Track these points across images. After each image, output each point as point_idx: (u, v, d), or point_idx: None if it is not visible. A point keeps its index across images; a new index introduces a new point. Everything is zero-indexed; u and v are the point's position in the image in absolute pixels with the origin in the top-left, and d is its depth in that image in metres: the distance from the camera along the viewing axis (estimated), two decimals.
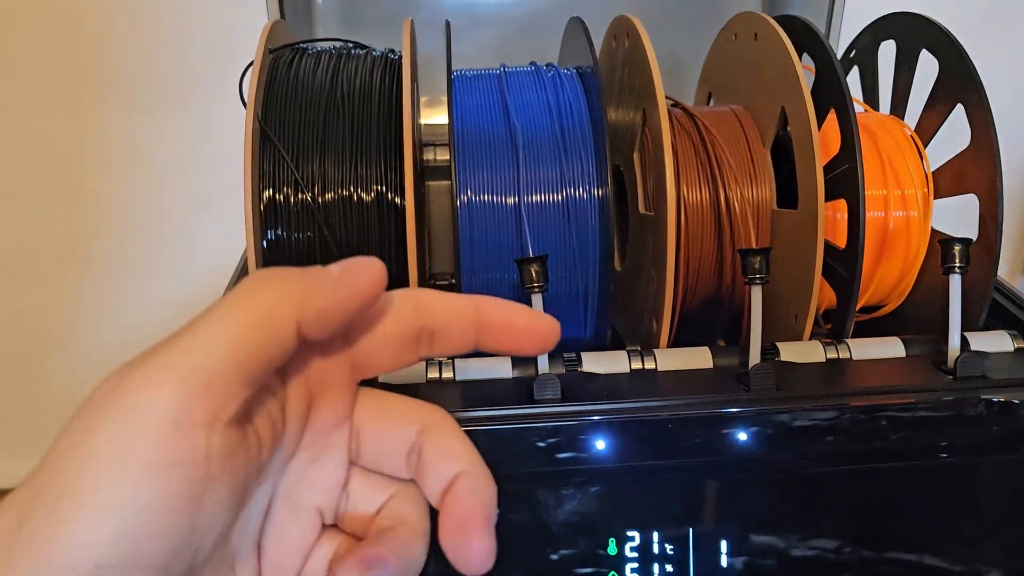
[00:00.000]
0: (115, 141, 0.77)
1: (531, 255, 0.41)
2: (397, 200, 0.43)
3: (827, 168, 0.46)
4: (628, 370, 0.44)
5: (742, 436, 0.39)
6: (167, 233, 0.79)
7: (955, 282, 0.43)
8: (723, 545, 0.40)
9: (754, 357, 0.42)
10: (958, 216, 0.51)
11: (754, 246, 0.48)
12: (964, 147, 0.48)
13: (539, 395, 0.40)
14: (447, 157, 0.54)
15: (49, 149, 0.76)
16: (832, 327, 0.47)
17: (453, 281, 0.54)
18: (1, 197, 0.78)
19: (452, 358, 0.43)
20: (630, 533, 0.40)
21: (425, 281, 0.54)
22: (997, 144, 0.45)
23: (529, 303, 0.40)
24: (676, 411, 0.39)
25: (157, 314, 0.80)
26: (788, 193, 0.48)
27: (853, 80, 0.57)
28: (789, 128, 0.47)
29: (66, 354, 0.81)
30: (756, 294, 0.41)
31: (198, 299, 0.78)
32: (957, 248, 0.43)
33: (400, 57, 0.46)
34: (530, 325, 0.28)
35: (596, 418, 0.38)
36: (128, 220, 0.79)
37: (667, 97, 0.47)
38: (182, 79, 0.76)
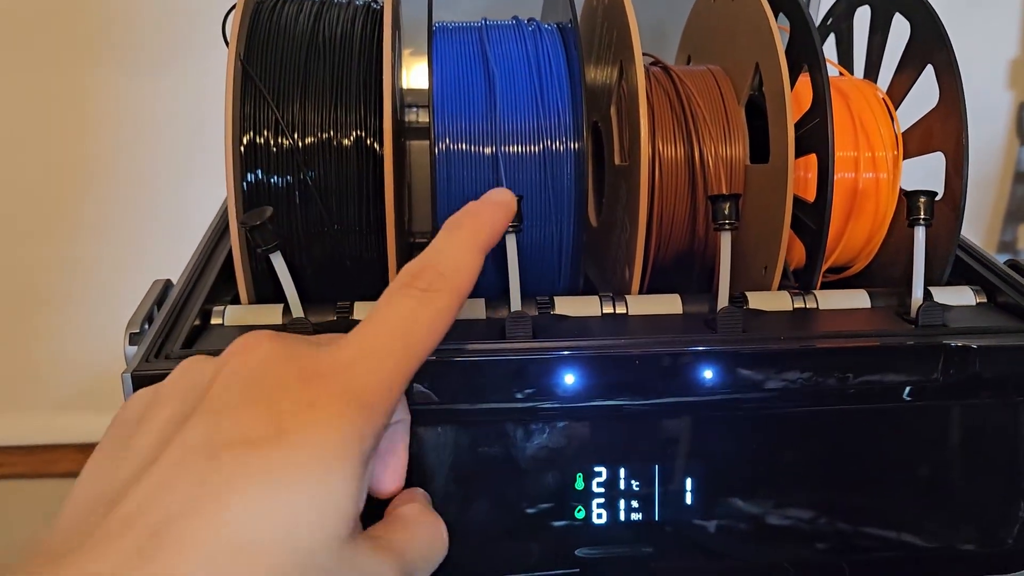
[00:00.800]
0: (104, 99, 0.77)
1: None
2: (376, 146, 0.44)
3: (798, 125, 0.47)
4: (600, 314, 0.45)
5: (707, 374, 0.40)
6: (157, 191, 0.80)
7: (919, 234, 0.44)
8: (688, 483, 0.41)
9: (722, 301, 0.43)
10: (925, 180, 0.52)
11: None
12: (932, 107, 0.49)
13: (511, 333, 0.41)
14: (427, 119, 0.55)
15: (37, 108, 0.77)
16: (800, 280, 0.48)
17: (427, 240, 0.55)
18: None
19: None
20: (597, 469, 0.41)
21: (404, 236, 0.55)
22: (963, 102, 0.46)
23: (504, 244, 0.41)
24: (643, 348, 0.40)
25: (147, 271, 0.80)
26: (760, 150, 0.49)
27: (829, 47, 0.58)
28: (763, 84, 0.48)
29: (56, 312, 0.81)
30: (725, 240, 0.42)
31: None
32: (922, 200, 0.44)
33: (382, 6, 0.47)
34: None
35: (565, 353, 0.39)
36: (118, 178, 0.80)
37: (646, 54, 0.48)
38: (169, 35, 0.76)
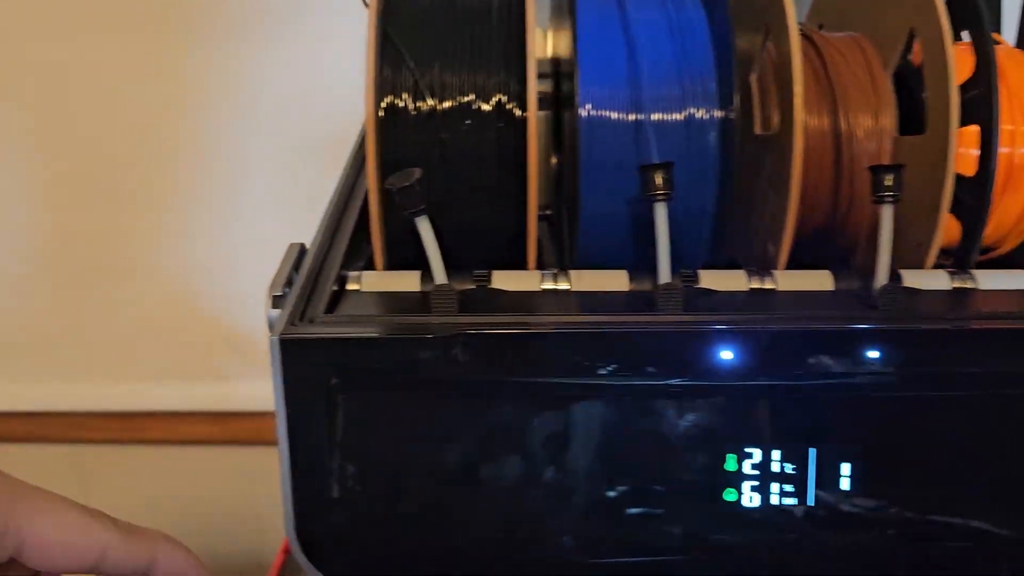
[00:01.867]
0: (199, 66, 0.77)
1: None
2: (517, 111, 0.42)
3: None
4: (747, 288, 0.43)
5: (870, 355, 0.38)
6: (252, 162, 0.79)
7: None
8: (846, 468, 0.39)
9: (882, 278, 0.40)
10: None
11: None
12: None
13: (662, 306, 0.39)
14: (546, 89, 0.53)
15: (135, 76, 0.77)
16: (956, 259, 0.45)
17: (548, 212, 0.53)
18: (88, 126, 0.79)
19: (568, 272, 0.43)
20: (749, 450, 0.39)
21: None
22: None
23: (651, 213, 0.40)
24: (803, 324, 0.38)
25: (236, 244, 0.80)
26: (906, 122, 0.47)
27: None
28: (920, 50, 0.45)
29: (147, 281, 0.82)
30: (887, 213, 0.40)
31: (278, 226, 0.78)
32: None
33: None
34: None
35: (721, 328, 0.38)
36: (212, 148, 0.79)
37: None
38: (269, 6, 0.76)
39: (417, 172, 0.37)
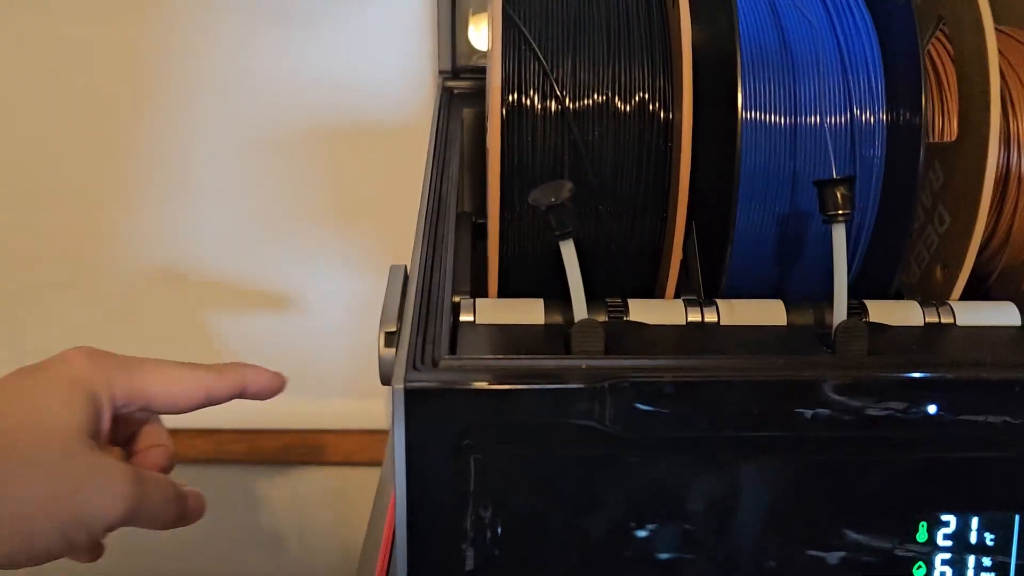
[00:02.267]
0: (249, 53, 0.70)
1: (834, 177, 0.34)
2: (662, 112, 0.36)
3: None
4: (922, 323, 0.37)
5: None
6: (305, 159, 0.73)
7: None
8: None
9: None
10: None
11: None
12: None
13: (842, 346, 0.33)
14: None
15: (155, 63, 0.70)
16: None
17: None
18: (106, 112, 0.72)
19: (714, 301, 0.37)
20: (944, 518, 0.33)
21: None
22: None
23: (830, 233, 0.34)
24: (1012, 372, 0.32)
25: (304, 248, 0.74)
26: None
27: None
28: None
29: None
30: None
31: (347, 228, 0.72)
32: None
33: None
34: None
35: (919, 376, 0.32)
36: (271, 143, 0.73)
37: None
38: None
39: (568, 186, 0.31)
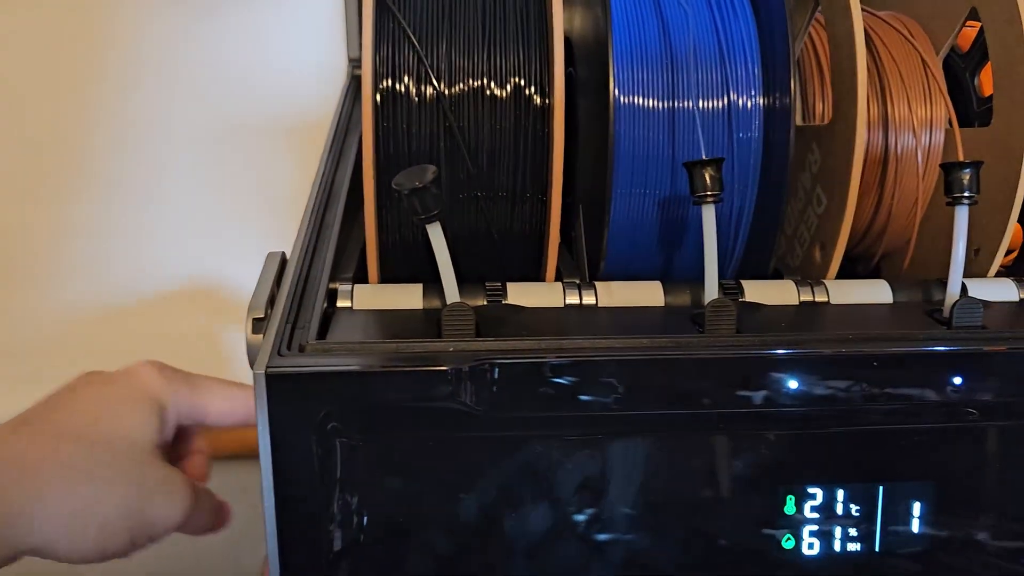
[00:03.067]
0: (157, 43, 0.69)
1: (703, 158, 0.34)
2: (538, 97, 0.36)
3: None
4: (797, 302, 0.38)
5: (950, 378, 0.33)
6: (203, 150, 0.72)
7: None
8: (917, 508, 0.34)
9: (954, 291, 0.36)
10: None
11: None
12: None
13: (711, 325, 0.34)
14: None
15: (92, 57, 0.69)
16: (1015, 264, 0.41)
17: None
18: (41, 105, 0.70)
19: (593, 284, 0.37)
20: (811, 491, 0.34)
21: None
22: None
23: (699, 214, 0.34)
24: (871, 347, 0.33)
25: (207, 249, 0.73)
26: (961, 111, 0.42)
27: None
28: (984, 32, 0.40)
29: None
30: (962, 216, 0.35)
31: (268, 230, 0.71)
32: None
33: None
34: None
35: (783, 353, 0.32)
36: (164, 137, 0.72)
37: None
38: None
39: (431, 170, 0.31)
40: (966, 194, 0.35)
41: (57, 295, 0.75)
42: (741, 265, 0.41)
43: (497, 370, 0.30)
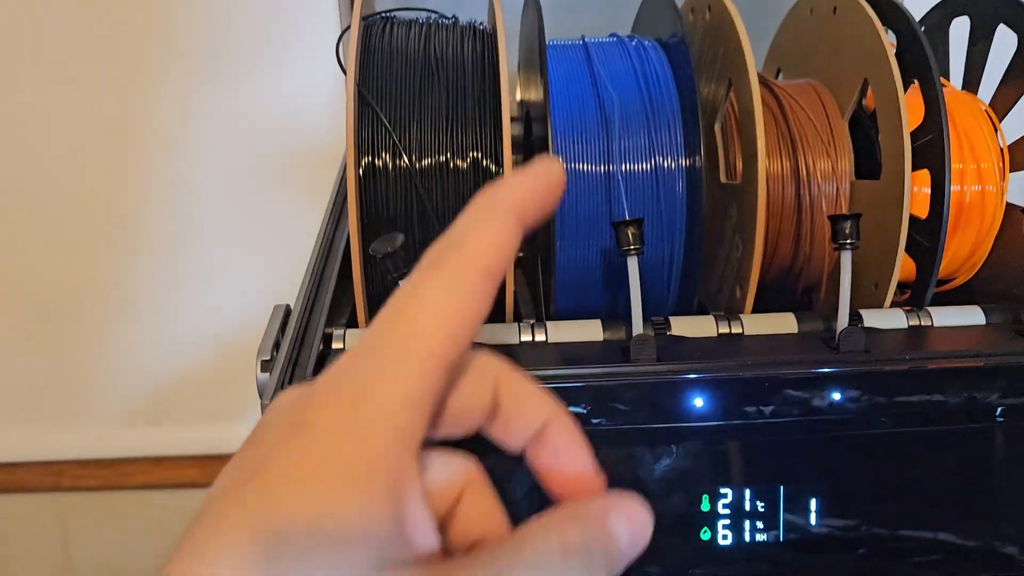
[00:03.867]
0: (176, 113, 0.78)
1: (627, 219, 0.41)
2: (493, 167, 0.44)
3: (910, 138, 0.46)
4: (715, 334, 0.45)
5: (833, 396, 0.40)
6: (227, 205, 0.80)
7: None
8: (813, 503, 0.41)
9: (843, 320, 0.42)
10: None
11: None
12: None
13: (635, 355, 0.41)
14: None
15: (104, 122, 0.78)
16: (912, 296, 0.48)
17: (521, 255, 0.55)
18: (58, 171, 0.79)
19: (544, 323, 0.44)
20: (723, 491, 0.41)
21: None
22: None
23: (625, 265, 0.41)
24: (770, 370, 0.40)
25: (212, 285, 0.81)
26: (865, 166, 0.49)
27: None
28: (872, 98, 0.47)
29: (124, 326, 0.82)
30: (846, 260, 0.42)
31: (252, 271, 0.79)
32: None
33: (487, 27, 0.47)
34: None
35: (693, 376, 0.39)
36: (187, 192, 0.80)
37: None
38: (241, 45, 0.76)
39: (400, 237, 0.38)
40: (848, 241, 0.42)
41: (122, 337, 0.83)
42: (677, 303, 0.49)
43: None
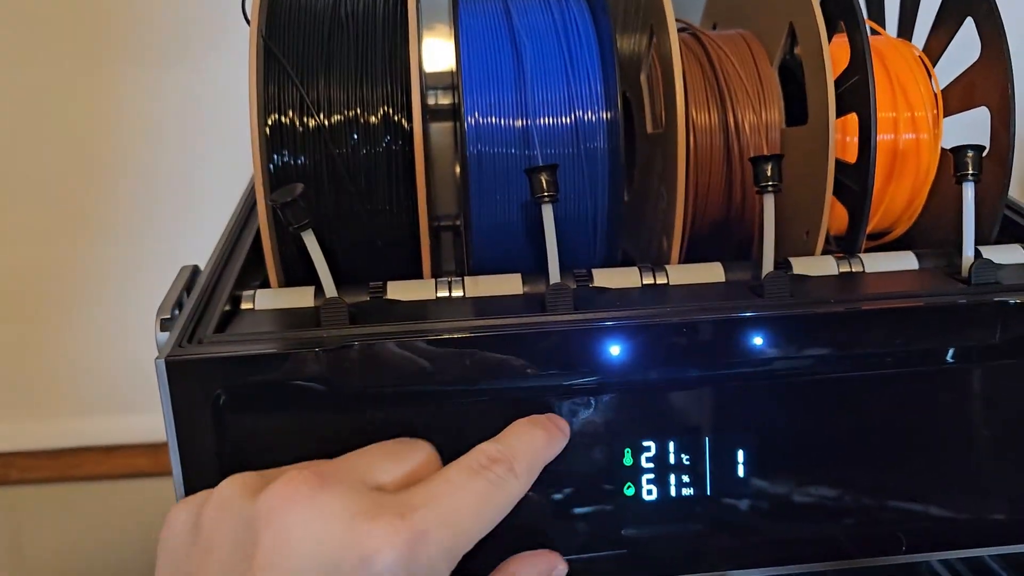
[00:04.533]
0: (113, 95, 0.76)
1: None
2: (404, 123, 0.42)
3: (837, 84, 0.45)
4: (639, 284, 0.43)
5: (756, 341, 0.39)
6: (169, 186, 0.78)
7: (968, 190, 0.42)
8: (740, 455, 0.40)
9: (767, 266, 0.41)
10: (967, 139, 0.51)
11: None
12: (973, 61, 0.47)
13: (551, 306, 0.40)
14: (449, 101, 0.54)
15: (45, 108, 0.76)
16: (844, 243, 0.47)
17: (458, 223, 0.53)
18: (16, 154, 0.77)
19: (462, 278, 0.43)
20: (646, 444, 0.39)
21: (432, 216, 0.53)
22: (1008, 53, 0.45)
23: (540, 214, 0.40)
24: (689, 316, 0.38)
25: (164, 269, 0.79)
26: (795, 114, 0.48)
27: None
28: (798, 45, 0.46)
29: (72, 315, 0.81)
30: (769, 203, 0.41)
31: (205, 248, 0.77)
32: (970, 155, 0.42)
33: None
34: None
35: (609, 323, 0.38)
36: (129, 176, 0.78)
37: (676, 20, 0.47)
38: (177, 24, 0.75)
39: (299, 187, 0.37)
40: (770, 183, 0.41)
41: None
42: (606, 257, 0.47)
43: (358, 350, 0.36)
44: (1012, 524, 0.42)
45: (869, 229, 0.52)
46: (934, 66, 0.51)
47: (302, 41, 0.43)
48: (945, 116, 0.49)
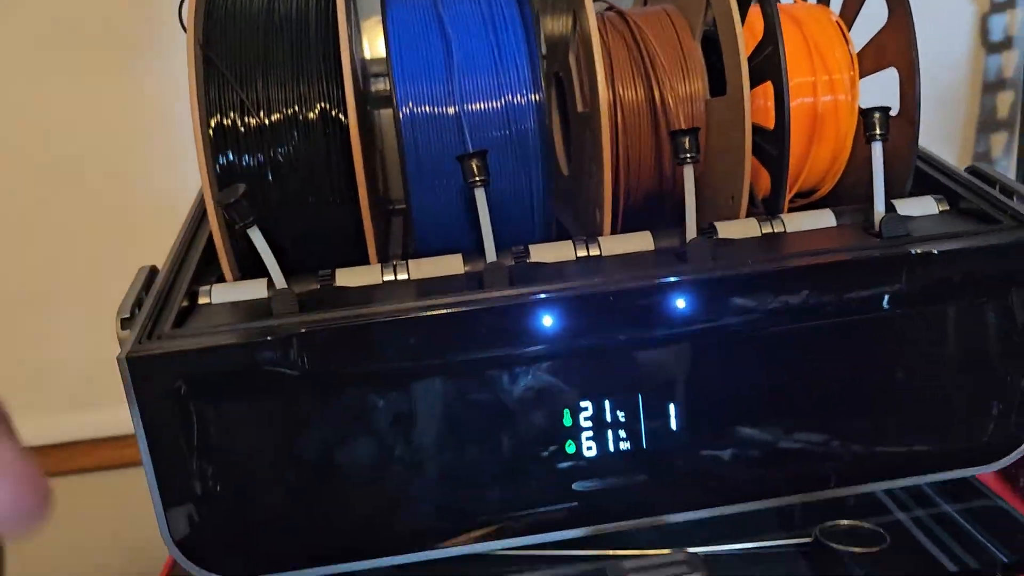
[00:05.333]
0: (65, 101, 0.78)
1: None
2: (341, 117, 0.45)
3: (753, 55, 0.48)
4: (575, 257, 0.46)
5: (679, 304, 0.41)
6: (134, 186, 0.80)
7: (877, 149, 0.45)
8: (671, 409, 0.43)
9: (690, 232, 0.44)
10: (884, 99, 0.53)
11: None
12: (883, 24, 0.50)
13: (488, 283, 0.42)
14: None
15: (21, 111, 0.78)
16: (766, 205, 0.49)
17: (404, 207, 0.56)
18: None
19: (406, 261, 0.46)
20: (583, 404, 0.42)
21: (380, 204, 0.56)
22: (911, 15, 0.47)
23: (474, 199, 0.43)
24: (616, 285, 0.41)
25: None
26: (719, 85, 0.50)
27: None
28: (715, 17, 0.49)
29: (50, 313, 0.82)
30: (689, 174, 0.44)
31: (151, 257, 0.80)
32: (877, 116, 0.45)
33: None
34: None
35: (542, 296, 0.41)
36: (96, 177, 0.80)
37: (599, 0, 0.49)
38: (124, 31, 0.76)
39: (242, 187, 0.39)
40: (689, 155, 0.43)
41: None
42: (544, 233, 0.50)
43: (306, 336, 0.39)
44: (934, 455, 0.45)
45: (798, 188, 0.55)
46: (850, 29, 0.53)
47: (239, 45, 0.45)
48: (861, 77, 0.52)
